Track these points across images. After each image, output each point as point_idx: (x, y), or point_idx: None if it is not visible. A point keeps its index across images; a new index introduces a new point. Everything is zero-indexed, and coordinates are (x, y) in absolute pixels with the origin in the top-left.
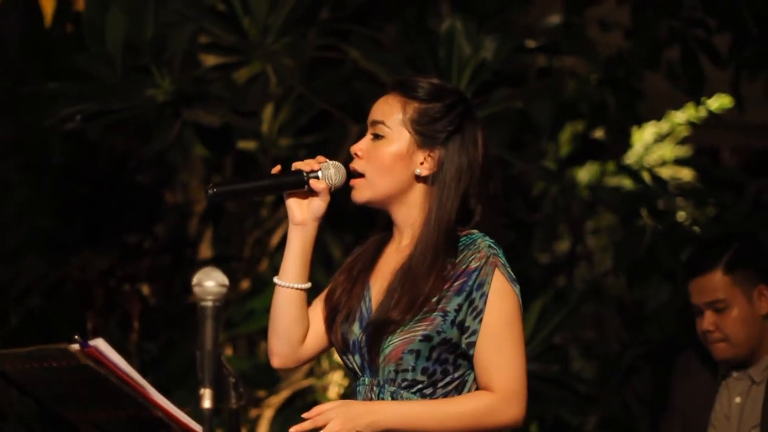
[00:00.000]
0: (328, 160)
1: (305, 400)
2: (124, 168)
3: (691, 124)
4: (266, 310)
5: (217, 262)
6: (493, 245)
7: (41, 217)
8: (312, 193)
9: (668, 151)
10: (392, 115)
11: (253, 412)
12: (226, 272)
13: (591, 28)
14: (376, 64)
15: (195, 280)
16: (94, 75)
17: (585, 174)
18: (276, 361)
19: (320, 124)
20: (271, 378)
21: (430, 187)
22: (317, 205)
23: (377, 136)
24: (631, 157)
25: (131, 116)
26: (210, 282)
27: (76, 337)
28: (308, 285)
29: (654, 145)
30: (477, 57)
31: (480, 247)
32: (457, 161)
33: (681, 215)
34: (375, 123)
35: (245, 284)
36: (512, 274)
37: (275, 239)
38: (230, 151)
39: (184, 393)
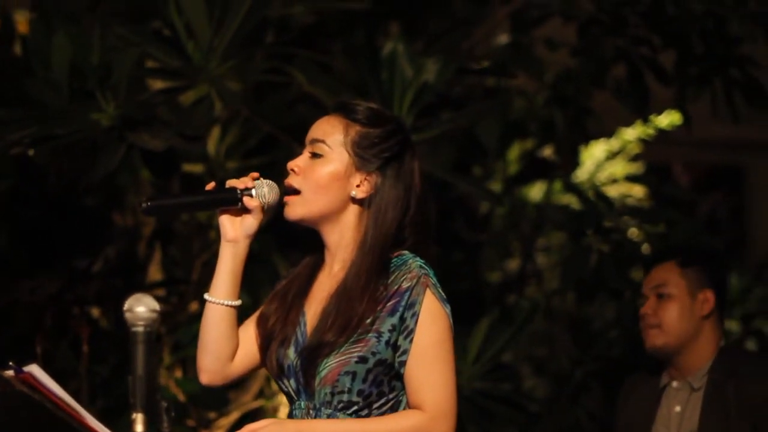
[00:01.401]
0: (262, 179)
1: (255, 420)
2: (72, 191)
3: (642, 141)
4: None
5: (166, 284)
6: (424, 265)
7: None
8: (245, 210)
9: (620, 168)
10: (333, 135)
11: None
12: (175, 294)
13: (538, 47)
14: (319, 88)
15: (126, 306)
16: (40, 99)
17: (537, 192)
18: (204, 378)
19: (268, 147)
20: (221, 400)
21: (365, 210)
22: (249, 223)
23: (316, 155)
24: (582, 175)
25: (77, 140)
26: (141, 308)
27: (11, 363)
28: (238, 302)
29: (605, 162)
30: (419, 79)
31: (411, 267)
32: (394, 188)
33: (633, 232)
34: (315, 141)
35: (194, 306)
36: (443, 294)
37: None
38: (174, 174)
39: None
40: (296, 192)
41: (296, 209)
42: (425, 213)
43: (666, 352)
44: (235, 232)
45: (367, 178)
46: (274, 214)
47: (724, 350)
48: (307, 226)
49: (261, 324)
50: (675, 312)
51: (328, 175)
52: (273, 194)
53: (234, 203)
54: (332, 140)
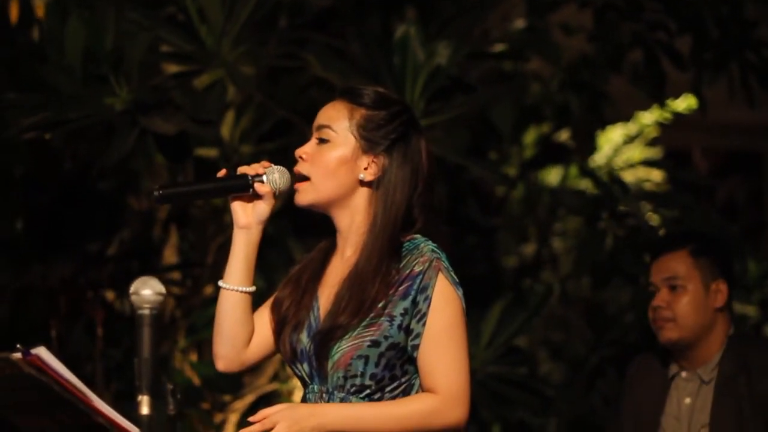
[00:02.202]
0: (273, 165)
1: (270, 404)
2: (87, 175)
3: (661, 125)
4: None
5: (181, 267)
6: (435, 249)
7: (4, 225)
8: (256, 196)
9: (637, 153)
10: (339, 120)
11: (218, 417)
12: (190, 278)
13: (554, 32)
14: (332, 72)
15: (132, 288)
16: (54, 84)
17: (555, 177)
18: (220, 364)
19: (282, 131)
20: (235, 383)
21: (374, 192)
22: (261, 209)
23: (323, 140)
24: (599, 159)
25: (91, 125)
26: (147, 290)
27: (18, 345)
28: (252, 288)
29: (623, 146)
30: (431, 63)
31: (423, 251)
32: (401, 169)
33: (650, 217)
34: (321, 127)
35: (209, 290)
36: (455, 277)
37: None
38: (187, 159)
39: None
40: (306, 178)
41: (306, 195)
42: (433, 193)
43: (681, 345)
44: (248, 219)
45: (375, 160)
46: (288, 198)
47: (733, 340)
48: (318, 211)
49: (275, 309)
50: (690, 305)
51: (335, 160)
52: (284, 180)
53: (245, 189)
54: (338, 125)
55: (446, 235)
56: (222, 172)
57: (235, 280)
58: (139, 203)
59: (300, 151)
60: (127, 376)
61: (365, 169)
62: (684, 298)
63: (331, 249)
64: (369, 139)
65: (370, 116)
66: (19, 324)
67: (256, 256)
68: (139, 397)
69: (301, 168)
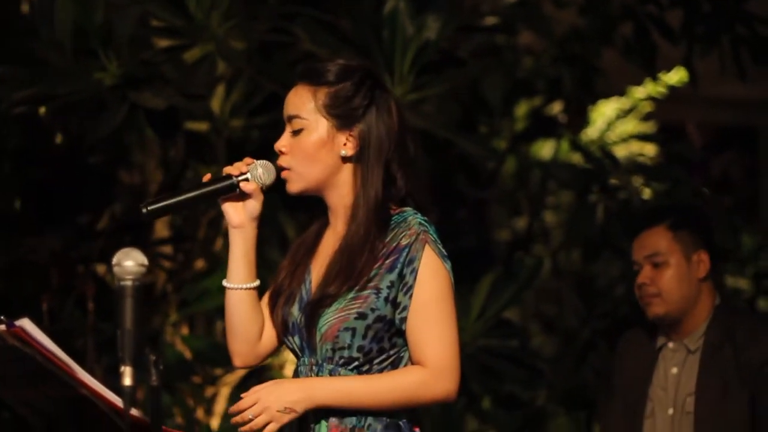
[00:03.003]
0: (255, 161)
1: (261, 378)
2: (77, 150)
3: (654, 100)
4: (221, 289)
5: (173, 241)
6: (423, 222)
7: None
8: (245, 195)
9: (631, 127)
10: (305, 106)
11: (210, 391)
12: (182, 252)
13: (545, 5)
14: (322, 47)
15: (114, 260)
16: (44, 59)
17: (548, 150)
18: (238, 361)
19: (272, 105)
20: (227, 356)
21: (356, 165)
22: (252, 206)
23: (296, 131)
24: (593, 133)
25: (81, 99)
26: (129, 262)
27: (2, 317)
28: (256, 283)
29: (616, 121)
30: (420, 37)
31: (411, 224)
32: (376, 132)
33: (643, 191)
34: (291, 118)
35: (200, 264)
36: (443, 250)
37: None
38: (176, 133)
39: (139, 372)
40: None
41: (294, 184)
42: (410, 151)
43: (669, 319)
44: (240, 218)
45: (351, 134)
46: (276, 174)
47: (719, 310)
48: (309, 194)
49: (273, 284)
50: (674, 279)
51: (313, 146)
52: (268, 174)
53: (232, 190)
54: (305, 111)
55: (430, 201)
56: (207, 177)
57: (239, 278)
58: (131, 177)
59: (278, 146)
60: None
61: (344, 145)
62: (667, 273)
63: (325, 224)
64: (340, 116)
65: (335, 92)
66: (10, 298)
67: (255, 250)
68: (122, 368)
69: (282, 162)
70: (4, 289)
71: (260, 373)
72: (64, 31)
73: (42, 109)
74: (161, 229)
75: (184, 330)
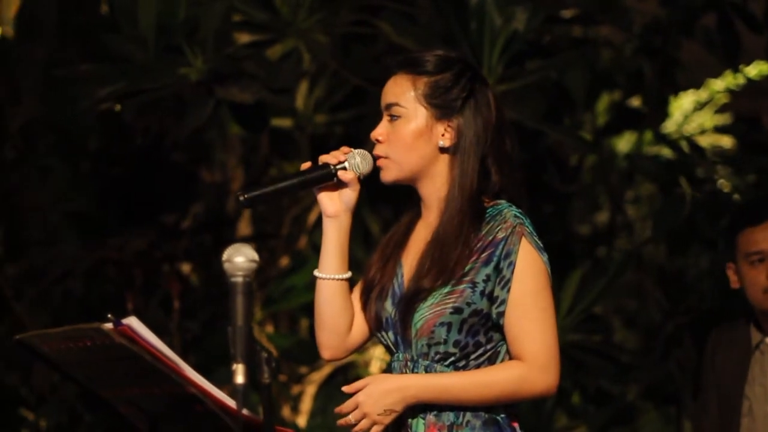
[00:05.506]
0: (353, 150)
1: (347, 375)
2: (160, 148)
3: (730, 91)
4: (305, 286)
5: (256, 239)
6: (519, 215)
7: (78, 199)
8: (342, 184)
9: (708, 119)
10: (404, 94)
11: (296, 389)
12: (265, 250)
13: None
14: (407, 38)
15: (225, 256)
16: (127, 56)
17: (625, 144)
18: (327, 354)
19: (356, 100)
20: (312, 354)
21: (453, 156)
22: (348, 196)
23: (394, 117)
24: (670, 126)
25: (164, 96)
26: (240, 258)
27: (110, 315)
28: (348, 274)
29: (693, 113)
30: (508, 28)
31: (506, 217)
32: (474, 126)
33: (722, 183)
34: (389, 105)
35: (284, 261)
36: (539, 242)
37: (313, 216)
38: (264, 128)
39: (225, 371)
40: (386, 159)
41: (390, 173)
42: (507, 146)
43: None
44: (335, 207)
45: (449, 125)
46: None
47: None
48: (402, 184)
49: (364, 279)
50: None
51: (411, 134)
52: (366, 163)
53: (329, 179)
54: (405, 99)
55: (525, 196)
56: (305, 165)
57: (330, 268)
58: (212, 176)
59: (375, 134)
60: (204, 349)
61: (442, 135)
62: None
63: (415, 217)
64: (440, 106)
65: (435, 82)
66: (93, 298)
67: (348, 242)
68: (234, 366)
69: (379, 151)
70: (87, 288)
71: (346, 371)
72: (147, 26)
73: (118, 106)
74: (244, 227)
75: (269, 328)
